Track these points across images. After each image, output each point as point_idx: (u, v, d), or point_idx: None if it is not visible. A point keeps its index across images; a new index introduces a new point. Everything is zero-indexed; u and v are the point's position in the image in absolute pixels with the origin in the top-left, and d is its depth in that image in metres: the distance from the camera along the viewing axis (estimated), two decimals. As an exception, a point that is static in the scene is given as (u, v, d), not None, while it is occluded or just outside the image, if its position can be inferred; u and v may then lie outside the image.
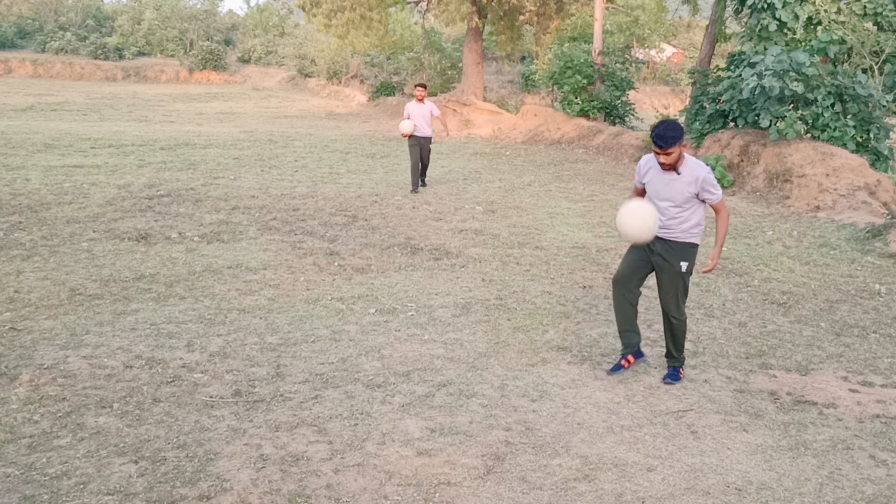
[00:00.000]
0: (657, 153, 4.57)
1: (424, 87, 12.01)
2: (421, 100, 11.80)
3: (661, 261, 4.85)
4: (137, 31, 50.11)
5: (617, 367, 5.11)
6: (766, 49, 12.84)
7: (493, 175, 13.92)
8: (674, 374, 5.06)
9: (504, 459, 3.95)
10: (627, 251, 5.01)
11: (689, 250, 4.84)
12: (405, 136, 11.66)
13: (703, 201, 4.72)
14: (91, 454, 3.85)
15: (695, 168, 4.66)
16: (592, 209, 10.98)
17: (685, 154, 4.66)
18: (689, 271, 4.90)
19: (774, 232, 9.73)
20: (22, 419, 4.20)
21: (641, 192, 4.98)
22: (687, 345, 5.72)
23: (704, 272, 4.99)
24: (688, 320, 6.32)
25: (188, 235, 8.58)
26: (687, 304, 6.74)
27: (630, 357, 5.09)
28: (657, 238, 4.77)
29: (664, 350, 5.57)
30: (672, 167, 4.60)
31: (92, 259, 7.51)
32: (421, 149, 11.76)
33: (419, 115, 11.66)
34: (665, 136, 4.47)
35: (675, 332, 5.00)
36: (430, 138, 11.94)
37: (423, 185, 12.19)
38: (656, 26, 26.32)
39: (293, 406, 4.49)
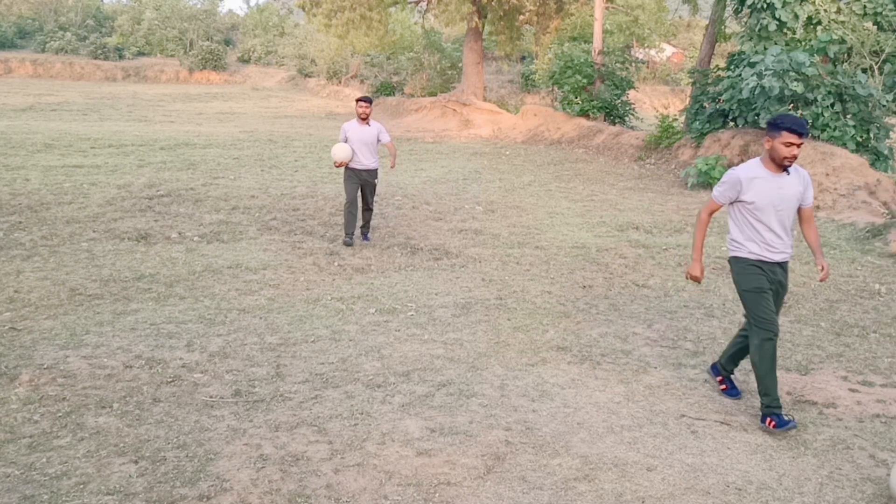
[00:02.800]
0: (791, 144, 4.15)
1: (369, 101, 8.47)
2: (364, 119, 8.42)
3: (780, 288, 4.48)
4: (137, 31, 50.12)
5: (786, 422, 4.34)
6: (765, 49, 12.83)
7: (493, 175, 13.92)
8: (779, 421, 4.34)
9: (504, 459, 3.95)
10: (760, 298, 4.36)
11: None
12: (338, 166, 8.44)
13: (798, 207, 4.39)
14: (91, 454, 3.85)
15: (797, 167, 4.37)
16: (592, 209, 10.98)
17: None
18: None
19: (774, 232, 9.72)
20: (22, 419, 4.19)
21: (717, 210, 4.56)
22: (687, 345, 5.72)
23: (821, 281, 4.55)
24: (689, 320, 6.32)
25: (188, 235, 8.58)
26: (688, 304, 6.76)
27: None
28: (777, 264, 4.40)
29: (665, 351, 5.59)
30: (793, 160, 4.24)
31: (92, 259, 7.50)
32: (362, 185, 8.51)
33: (360, 141, 8.37)
34: (801, 122, 4.12)
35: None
36: (375, 171, 8.59)
37: (366, 238, 8.73)
38: (656, 26, 26.29)
39: (293, 406, 4.49)
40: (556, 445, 4.11)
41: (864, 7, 13.06)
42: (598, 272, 7.66)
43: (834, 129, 12.01)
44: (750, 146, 12.87)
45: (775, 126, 4.21)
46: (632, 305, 6.64)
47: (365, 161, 8.46)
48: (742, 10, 13.75)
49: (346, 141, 8.42)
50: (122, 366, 4.97)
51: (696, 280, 4.65)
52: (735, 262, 4.49)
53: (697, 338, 5.88)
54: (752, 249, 4.37)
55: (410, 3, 26.94)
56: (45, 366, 4.90)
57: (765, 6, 12.81)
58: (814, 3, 12.97)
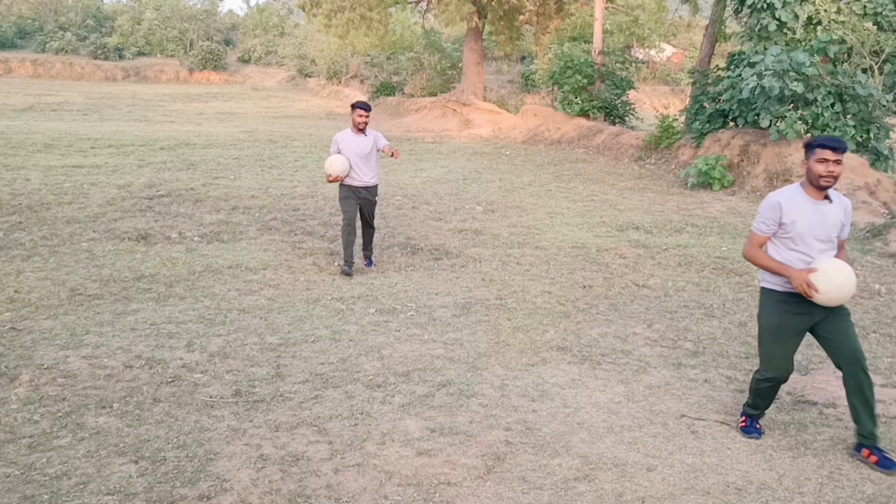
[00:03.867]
0: (826, 160, 3.85)
1: (367, 108, 7.38)
2: (361, 128, 7.33)
3: (827, 315, 4.00)
4: (137, 31, 50.14)
5: (755, 431, 4.30)
6: (765, 49, 12.84)
7: (493, 175, 13.92)
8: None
9: (504, 459, 3.95)
10: (779, 337, 4.05)
11: None
12: (331, 181, 7.40)
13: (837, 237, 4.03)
14: (91, 454, 3.85)
15: (839, 196, 4.03)
16: (592, 209, 10.98)
17: None
18: None
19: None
20: (22, 419, 4.19)
21: (764, 243, 4.08)
22: (687, 345, 5.72)
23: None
24: (689, 320, 6.32)
25: (188, 235, 8.58)
26: (688, 304, 6.75)
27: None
28: (812, 303, 3.94)
29: (665, 351, 5.59)
30: (835, 180, 3.90)
31: (92, 259, 7.50)
32: (361, 205, 7.50)
33: (356, 152, 7.32)
34: (836, 139, 3.84)
35: (870, 387, 4.06)
36: (375, 188, 7.56)
37: (369, 263, 7.78)
38: (656, 26, 26.30)
39: (293, 406, 4.49)
40: (556, 445, 4.11)
41: (864, 7, 13.06)
42: (598, 272, 7.66)
43: (834, 129, 12.00)
44: (750, 146, 12.87)
45: (809, 146, 3.93)
46: (632, 305, 6.64)
47: (363, 177, 7.40)
48: (742, 10, 13.75)
49: (339, 152, 7.36)
50: (122, 366, 4.97)
51: (807, 282, 3.84)
52: (762, 293, 4.15)
53: (697, 338, 5.88)
54: (782, 282, 3.99)
55: (410, 3, 26.95)
56: (45, 366, 4.90)
57: (765, 6, 12.81)
58: (814, 3, 12.97)
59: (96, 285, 6.69)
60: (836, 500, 3.69)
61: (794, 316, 4.00)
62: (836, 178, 3.88)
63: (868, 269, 8.01)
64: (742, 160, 12.92)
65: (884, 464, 3.94)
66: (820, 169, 3.88)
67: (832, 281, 3.79)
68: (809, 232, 3.92)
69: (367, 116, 7.34)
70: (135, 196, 10.53)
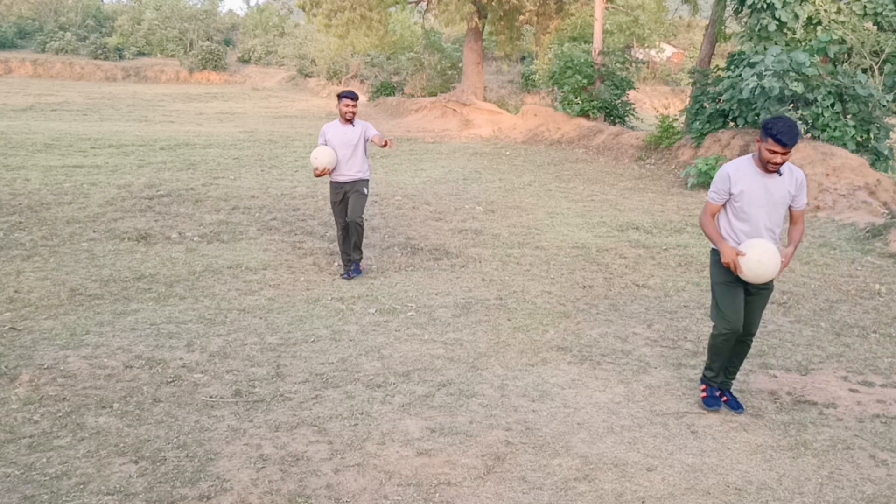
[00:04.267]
0: (775, 152, 4.08)
1: (354, 97, 7.06)
2: (349, 119, 7.03)
3: (759, 288, 4.38)
4: (137, 31, 50.13)
5: (714, 400, 4.63)
6: (765, 49, 12.84)
7: (493, 175, 13.92)
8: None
9: (504, 459, 3.95)
10: (727, 292, 4.37)
11: None
12: (318, 175, 7.05)
13: (789, 207, 4.32)
14: (91, 454, 3.85)
15: (792, 168, 4.27)
16: (592, 209, 10.98)
17: None
18: None
19: (774, 232, 9.72)
20: (22, 419, 4.20)
21: (718, 211, 4.39)
22: (687, 345, 5.73)
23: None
24: (689, 320, 6.33)
25: (188, 235, 8.58)
26: (688, 304, 6.76)
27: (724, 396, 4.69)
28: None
29: (665, 351, 5.59)
30: (778, 169, 4.17)
31: (92, 259, 7.51)
32: (345, 199, 7.11)
33: (345, 144, 6.99)
34: (790, 134, 4.01)
35: (745, 353, 4.67)
36: (365, 182, 7.14)
37: (355, 270, 7.29)
38: (656, 26, 26.31)
39: (293, 406, 4.49)
40: (556, 445, 4.11)
41: (864, 7, 13.06)
42: (598, 272, 7.66)
43: (834, 130, 12.01)
44: (750, 146, 12.87)
45: (765, 130, 4.12)
46: (632, 305, 6.64)
47: (351, 171, 7.03)
48: (742, 10, 13.75)
49: (325, 144, 7.06)
50: (123, 366, 4.97)
51: (734, 261, 4.19)
52: (713, 254, 4.50)
53: (697, 338, 5.88)
54: (731, 244, 4.32)
55: (410, 3, 26.95)
56: (45, 366, 4.90)
57: (765, 6, 12.81)
58: (814, 3, 12.97)
59: (96, 285, 6.69)
60: (836, 500, 3.69)
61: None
62: (780, 167, 4.16)
63: (868, 269, 8.01)
64: (742, 160, 12.92)
65: (732, 405, 4.65)
66: (768, 156, 4.14)
67: (752, 270, 4.15)
68: (756, 202, 4.22)
69: (354, 106, 7.02)
70: (135, 196, 10.53)
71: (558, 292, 6.95)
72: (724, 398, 4.71)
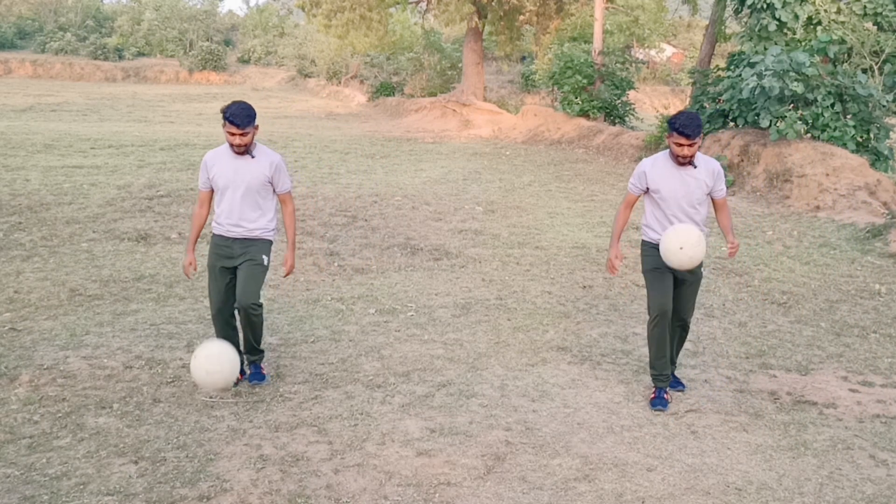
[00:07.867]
0: (681, 145, 4.32)
1: (243, 123, 4.36)
2: (242, 148, 4.46)
3: (688, 273, 4.58)
4: (137, 31, 50.10)
5: (661, 401, 4.67)
6: (765, 49, 12.84)
7: (493, 175, 13.92)
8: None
9: (504, 459, 3.95)
10: (654, 278, 4.60)
11: None
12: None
13: (710, 197, 4.58)
14: (91, 454, 3.85)
15: (708, 160, 4.53)
16: (592, 209, 10.98)
17: None
18: None
19: (774, 232, 9.73)
20: (22, 419, 4.19)
21: (634, 201, 4.71)
22: (687, 345, 5.72)
23: (729, 256, 4.62)
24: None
25: (188, 236, 8.57)
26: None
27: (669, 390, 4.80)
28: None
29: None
30: (690, 160, 4.40)
31: (92, 259, 7.50)
32: (233, 270, 4.61)
33: (237, 183, 4.55)
34: (691, 125, 4.27)
35: (683, 339, 4.98)
36: (266, 246, 4.64)
37: (255, 375, 4.74)
38: (656, 26, 26.28)
39: (293, 406, 4.49)
40: (556, 445, 4.11)
41: (864, 7, 13.06)
42: (598, 272, 7.66)
43: (834, 130, 12.01)
44: (750, 146, 12.87)
45: (670, 124, 4.38)
46: (632, 305, 6.64)
47: (244, 222, 4.56)
48: (742, 10, 13.76)
49: (208, 183, 4.64)
50: (122, 366, 4.97)
51: (612, 266, 4.66)
52: (642, 245, 4.73)
53: (697, 338, 5.88)
54: (654, 235, 4.59)
55: (410, 3, 26.94)
56: (45, 366, 4.90)
57: (765, 6, 12.82)
58: (814, 3, 12.97)
59: (96, 285, 6.69)
60: (836, 500, 3.69)
61: (661, 259, 4.48)
62: (691, 156, 4.38)
63: (868, 269, 8.01)
64: (742, 160, 12.93)
65: (673, 384, 4.87)
66: (676, 149, 4.39)
67: (675, 255, 4.34)
68: (673, 196, 4.48)
69: (242, 136, 4.39)
70: (135, 196, 10.53)
71: (558, 292, 6.95)
72: (667, 394, 4.76)
